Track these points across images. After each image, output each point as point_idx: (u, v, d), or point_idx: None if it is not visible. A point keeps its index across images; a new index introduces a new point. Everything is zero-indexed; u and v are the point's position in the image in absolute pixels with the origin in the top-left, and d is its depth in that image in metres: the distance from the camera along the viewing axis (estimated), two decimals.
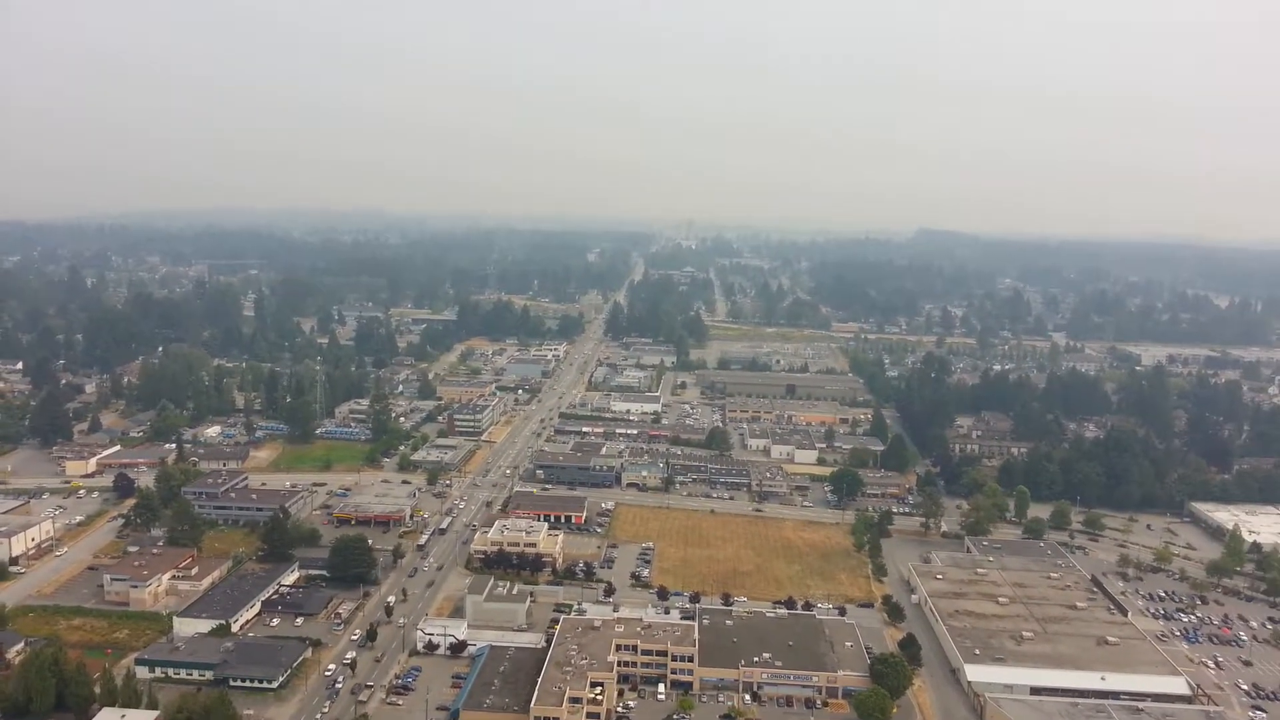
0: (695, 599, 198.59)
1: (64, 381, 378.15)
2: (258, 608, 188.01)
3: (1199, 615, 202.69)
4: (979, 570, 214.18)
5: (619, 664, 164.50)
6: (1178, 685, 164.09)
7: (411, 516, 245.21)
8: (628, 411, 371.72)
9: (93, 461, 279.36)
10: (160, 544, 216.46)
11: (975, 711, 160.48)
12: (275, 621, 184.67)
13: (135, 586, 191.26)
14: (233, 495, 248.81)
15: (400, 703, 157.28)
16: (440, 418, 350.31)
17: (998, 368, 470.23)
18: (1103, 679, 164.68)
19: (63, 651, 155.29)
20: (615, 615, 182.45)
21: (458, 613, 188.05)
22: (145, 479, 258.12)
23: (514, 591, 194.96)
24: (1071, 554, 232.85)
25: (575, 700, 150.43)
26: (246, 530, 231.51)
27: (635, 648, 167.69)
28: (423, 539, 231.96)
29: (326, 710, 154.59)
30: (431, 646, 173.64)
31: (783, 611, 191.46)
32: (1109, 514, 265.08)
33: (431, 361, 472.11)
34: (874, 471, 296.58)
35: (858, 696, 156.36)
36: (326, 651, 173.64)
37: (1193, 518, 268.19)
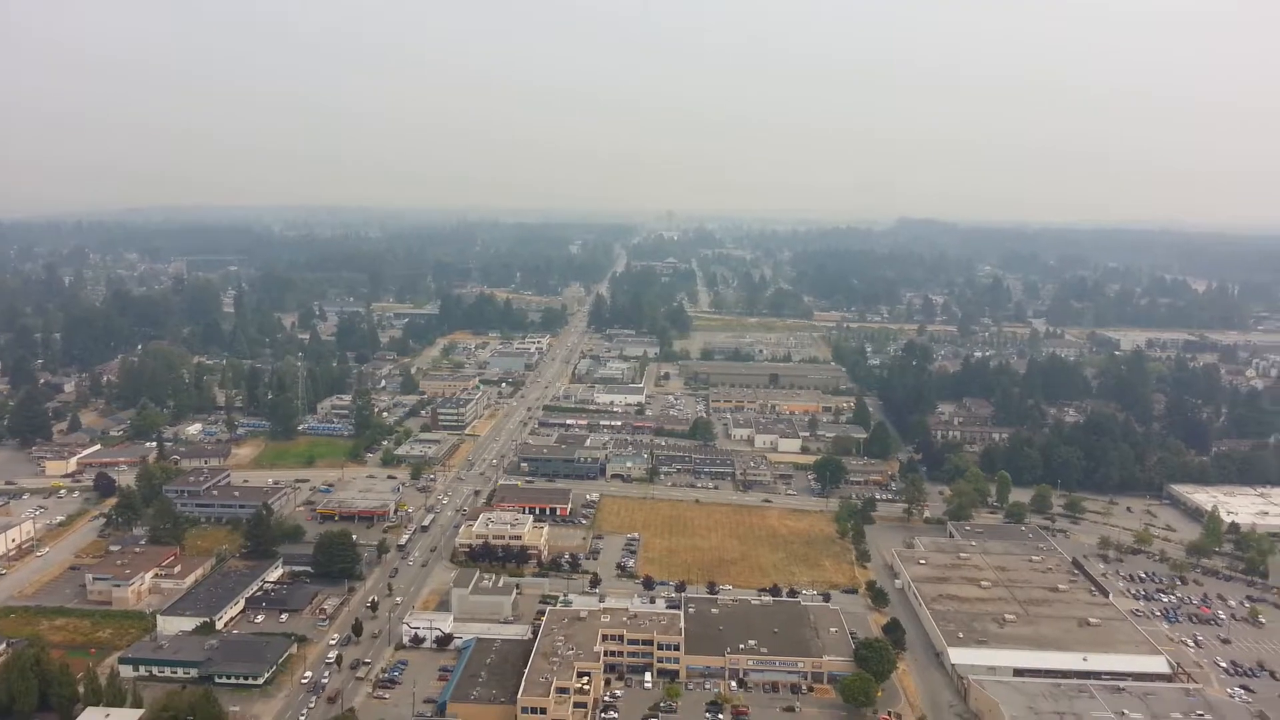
0: (681, 588, 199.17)
1: (42, 381, 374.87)
2: (242, 605, 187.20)
3: (1178, 595, 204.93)
4: (962, 555, 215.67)
5: (605, 654, 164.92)
6: (1158, 664, 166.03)
7: (396, 511, 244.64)
8: (611, 403, 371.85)
9: (73, 461, 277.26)
10: (142, 543, 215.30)
11: (959, 694, 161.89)
12: (259, 618, 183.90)
13: (118, 586, 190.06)
14: (215, 493, 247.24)
15: (387, 696, 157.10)
16: (423, 412, 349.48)
17: (979, 354, 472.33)
18: (1084, 659, 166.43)
19: (45, 652, 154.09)
20: (601, 606, 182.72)
21: (443, 606, 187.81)
22: (126, 478, 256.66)
23: (500, 584, 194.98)
24: (1053, 537, 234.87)
25: (562, 690, 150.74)
26: (229, 528, 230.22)
27: (621, 637, 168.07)
28: (407, 534, 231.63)
29: (312, 706, 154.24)
30: (418, 640, 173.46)
31: (768, 599, 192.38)
32: (1089, 497, 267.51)
33: (414, 356, 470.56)
34: (857, 459, 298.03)
35: (843, 681, 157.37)
36: (312, 647, 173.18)
37: (1172, 500, 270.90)
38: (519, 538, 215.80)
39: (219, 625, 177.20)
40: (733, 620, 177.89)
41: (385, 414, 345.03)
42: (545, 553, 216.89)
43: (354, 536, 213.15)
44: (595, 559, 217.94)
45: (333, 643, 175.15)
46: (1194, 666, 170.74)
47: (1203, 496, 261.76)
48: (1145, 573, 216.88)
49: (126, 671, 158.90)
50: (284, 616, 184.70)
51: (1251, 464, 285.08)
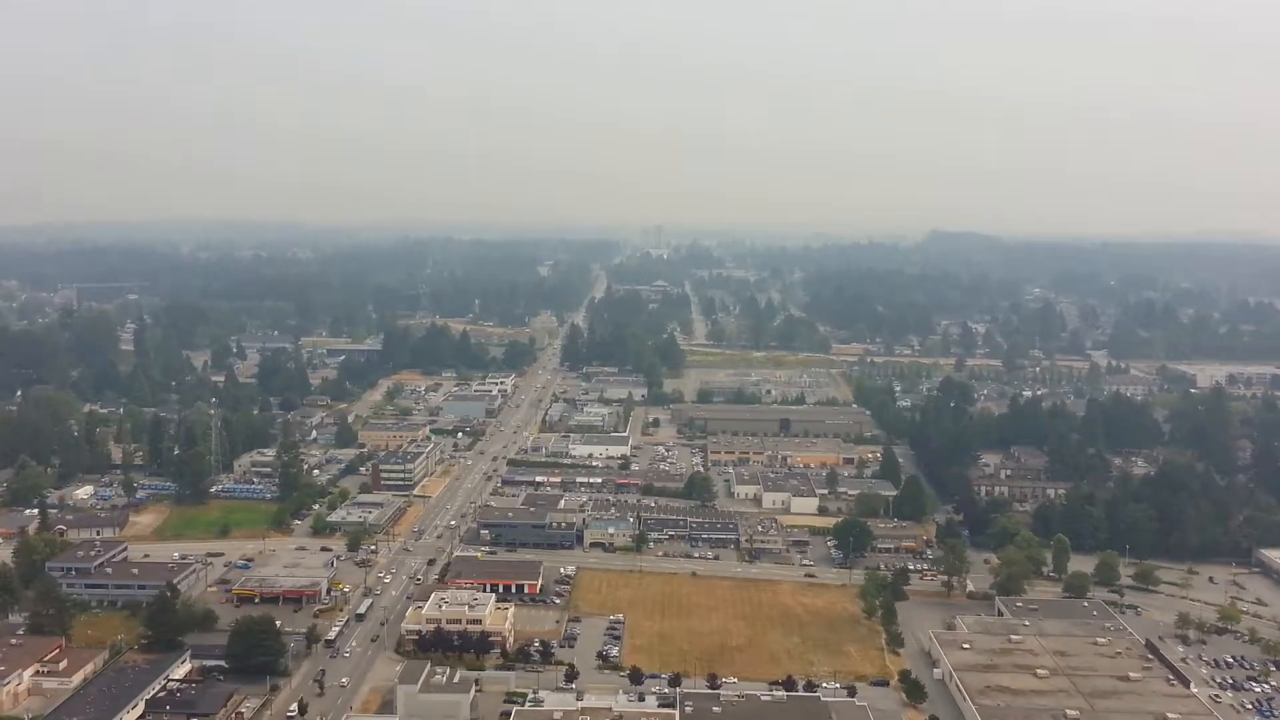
0: (675, 682, 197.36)
1: None
2: (141, 708, 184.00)
3: (1273, 684, 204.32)
4: (1013, 637, 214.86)
5: None
6: None
7: (329, 591, 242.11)
8: (590, 456, 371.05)
9: None
10: (20, 632, 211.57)
11: None
12: None
13: None
14: (109, 571, 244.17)
15: None
16: (363, 469, 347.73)
17: (1028, 394, 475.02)
18: None
19: None
20: (579, 705, 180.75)
21: (387, 708, 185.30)
22: (1, 553, 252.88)
23: (456, 679, 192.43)
24: (1121, 614, 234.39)
25: None
26: (126, 613, 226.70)
27: None
28: (343, 618, 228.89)
29: None
30: None
31: (781, 694, 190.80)
32: (1164, 565, 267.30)
33: (352, 401, 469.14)
34: (886, 521, 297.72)
35: None
36: None
37: (1263, 567, 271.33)
38: (479, 621, 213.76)
39: None
40: None
41: (317, 472, 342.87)
42: (511, 639, 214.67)
43: (278, 623, 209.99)
44: (571, 646, 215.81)
45: None
46: None
47: None
48: (1233, 657, 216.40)
49: None
50: None
51: None
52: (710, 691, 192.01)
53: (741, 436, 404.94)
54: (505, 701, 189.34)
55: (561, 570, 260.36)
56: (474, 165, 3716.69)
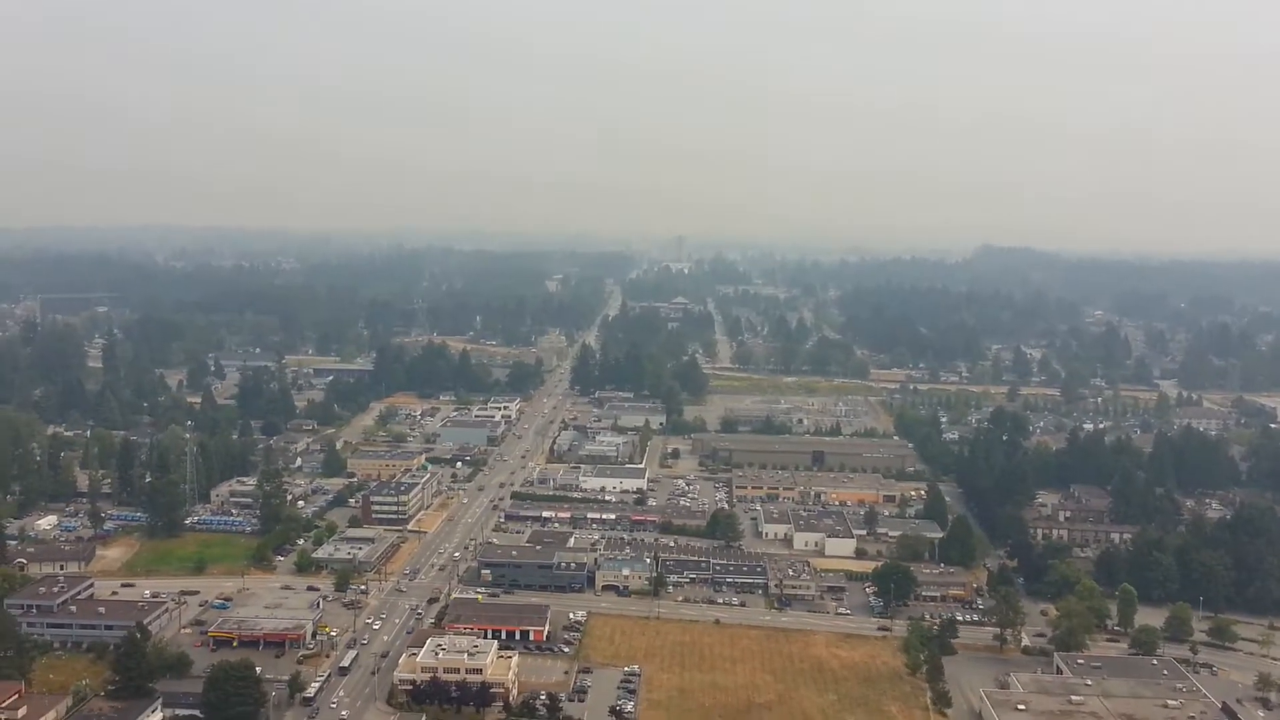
0: None
1: None
2: None
3: None
4: (1074, 698, 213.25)
5: None
6: None
7: (314, 635, 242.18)
8: (602, 489, 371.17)
9: None
10: None
11: None
12: None
13: None
14: (73, 609, 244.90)
15: None
16: (352, 500, 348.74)
17: (1090, 427, 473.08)
18: None
19: None
20: None
21: None
22: None
23: None
24: (1195, 674, 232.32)
25: None
26: (91, 656, 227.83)
27: None
28: (329, 665, 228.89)
29: None
30: None
31: None
32: (1242, 620, 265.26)
33: (340, 426, 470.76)
34: (931, 567, 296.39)
35: None
36: None
37: None
38: (479, 671, 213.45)
39: None
40: None
41: (302, 503, 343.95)
42: (514, 692, 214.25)
43: (258, 669, 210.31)
44: (581, 700, 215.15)
45: None
46: None
47: None
48: None
49: None
50: None
51: None
52: None
53: (770, 470, 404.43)
54: None
55: (570, 615, 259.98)
56: (477, 175, 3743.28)
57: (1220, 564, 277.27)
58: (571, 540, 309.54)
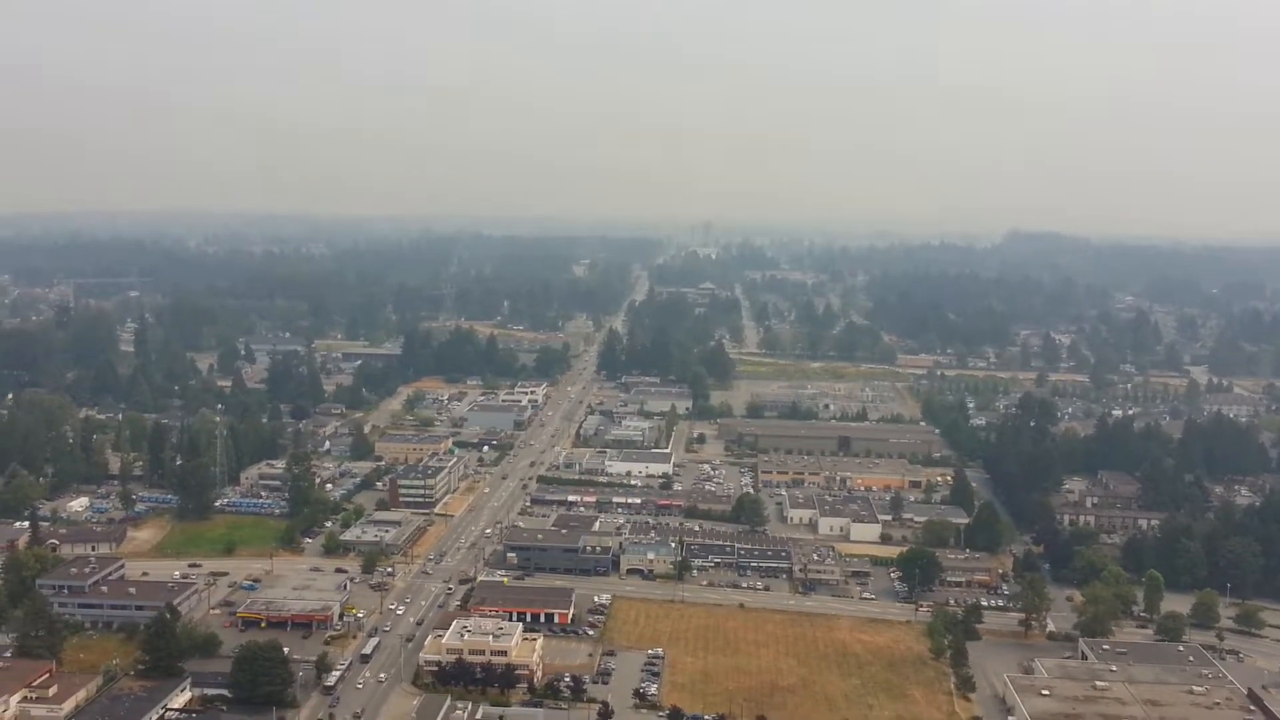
0: None
1: None
2: None
3: None
4: (1098, 684, 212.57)
5: None
6: None
7: (341, 616, 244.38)
8: (628, 474, 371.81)
9: None
10: (7, 655, 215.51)
11: None
12: None
13: None
14: (104, 589, 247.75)
15: None
16: (380, 484, 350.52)
17: (1118, 413, 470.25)
18: None
19: None
20: None
21: None
22: None
23: (478, 716, 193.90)
24: (1221, 661, 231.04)
25: None
26: (122, 636, 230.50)
27: None
28: (356, 646, 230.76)
29: None
30: None
31: None
32: (1270, 607, 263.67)
33: (368, 410, 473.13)
34: (956, 552, 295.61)
35: None
36: None
37: None
38: (504, 653, 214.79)
39: None
40: None
41: (329, 486, 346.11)
42: (539, 673, 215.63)
43: (286, 650, 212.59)
44: (605, 683, 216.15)
45: None
46: None
47: None
48: None
49: None
50: None
51: None
52: None
53: (796, 455, 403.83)
54: None
55: (595, 599, 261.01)
56: (505, 161, 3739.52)
57: (1249, 551, 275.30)
58: (597, 524, 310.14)
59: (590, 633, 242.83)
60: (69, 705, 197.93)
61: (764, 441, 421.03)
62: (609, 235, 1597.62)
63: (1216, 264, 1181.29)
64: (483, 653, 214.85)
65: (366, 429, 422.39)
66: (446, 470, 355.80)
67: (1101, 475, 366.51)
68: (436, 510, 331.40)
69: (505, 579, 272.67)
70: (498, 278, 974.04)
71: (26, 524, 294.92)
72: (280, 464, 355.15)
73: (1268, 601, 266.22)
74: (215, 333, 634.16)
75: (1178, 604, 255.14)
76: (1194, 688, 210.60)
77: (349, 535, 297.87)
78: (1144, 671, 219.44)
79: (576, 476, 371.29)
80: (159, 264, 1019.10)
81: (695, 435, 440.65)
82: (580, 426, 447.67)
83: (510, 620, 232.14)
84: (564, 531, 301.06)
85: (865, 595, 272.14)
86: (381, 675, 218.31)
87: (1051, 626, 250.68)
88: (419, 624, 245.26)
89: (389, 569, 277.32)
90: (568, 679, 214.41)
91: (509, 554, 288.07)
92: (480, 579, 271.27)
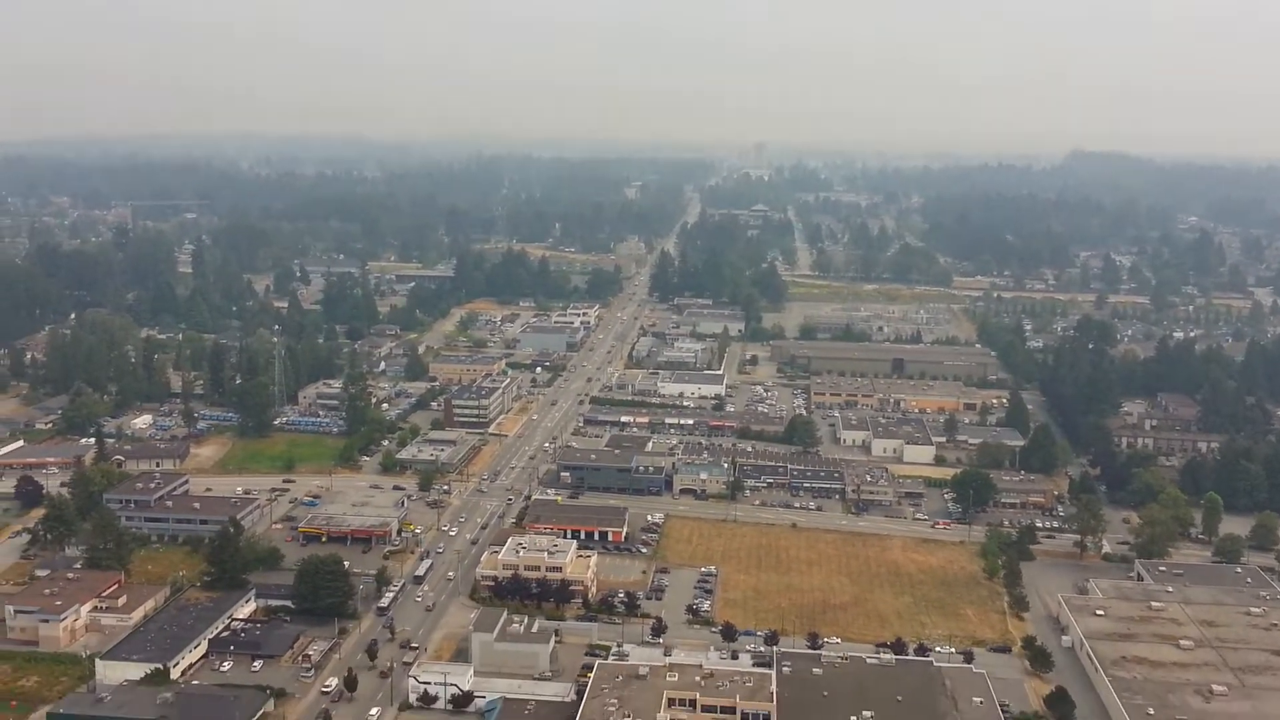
0: (772, 640, 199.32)
1: None
2: (203, 648, 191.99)
3: None
4: (1154, 604, 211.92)
5: None
6: None
7: (399, 532, 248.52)
8: (681, 395, 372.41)
9: None
10: (77, 566, 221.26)
11: None
12: (226, 665, 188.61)
13: (46, 621, 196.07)
14: (169, 504, 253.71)
15: None
16: (434, 404, 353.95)
17: (1179, 335, 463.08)
18: None
19: None
20: (667, 661, 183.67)
21: (461, 656, 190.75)
22: (56, 483, 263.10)
23: (534, 629, 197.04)
24: (1279, 582, 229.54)
25: None
26: (187, 549, 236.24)
27: (693, 703, 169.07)
28: (414, 561, 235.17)
29: None
30: (428, 699, 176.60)
31: (889, 657, 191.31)
32: None
33: (422, 331, 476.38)
34: (1011, 474, 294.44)
35: None
36: (293, 704, 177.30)
37: None
38: (559, 569, 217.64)
39: (175, 674, 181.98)
40: (842, 684, 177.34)
41: (385, 406, 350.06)
42: (593, 589, 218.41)
43: (346, 563, 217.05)
44: (658, 599, 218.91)
45: (320, 697, 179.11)
46: None
47: None
48: None
49: None
50: (257, 664, 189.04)
51: None
52: (811, 652, 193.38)
53: (849, 377, 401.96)
54: (587, 654, 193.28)
55: (648, 518, 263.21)
56: (555, 83, 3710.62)
57: None
58: (650, 445, 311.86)
59: (644, 550, 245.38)
60: (138, 615, 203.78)
61: (817, 364, 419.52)
62: (660, 157, 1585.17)
63: None
64: (538, 568, 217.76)
65: (420, 350, 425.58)
66: (500, 391, 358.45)
67: (1161, 398, 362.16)
68: (491, 430, 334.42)
69: (559, 498, 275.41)
70: (548, 200, 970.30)
71: (93, 440, 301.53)
72: (337, 384, 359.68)
73: None
74: (270, 254, 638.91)
75: (1237, 526, 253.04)
76: (1251, 609, 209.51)
77: (405, 454, 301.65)
78: (1200, 593, 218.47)
79: (629, 397, 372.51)
80: (214, 186, 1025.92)
81: (748, 357, 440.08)
82: (633, 348, 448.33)
83: (564, 538, 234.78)
84: (617, 452, 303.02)
85: (919, 516, 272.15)
86: (438, 590, 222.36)
87: (1107, 548, 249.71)
88: (474, 541, 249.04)
89: (445, 487, 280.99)
90: (622, 595, 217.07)
91: (563, 473, 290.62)
92: (534, 497, 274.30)
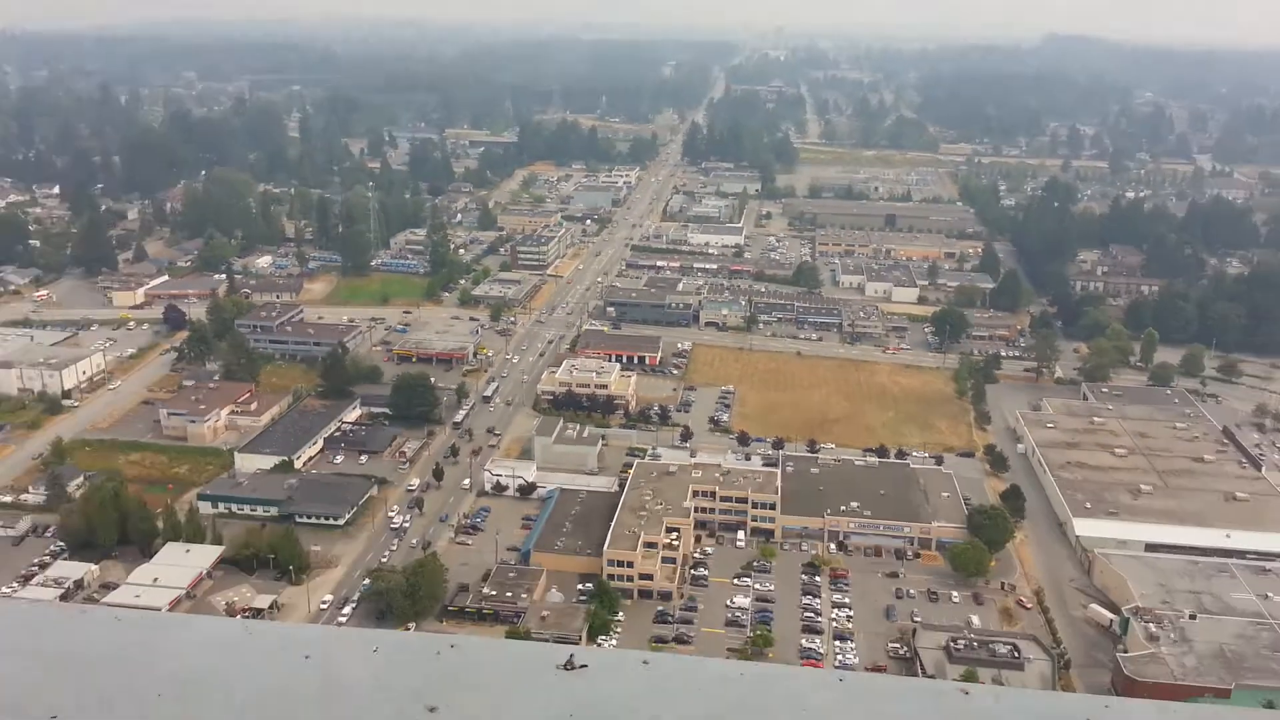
0: (779, 445, 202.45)
1: (104, 207, 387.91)
2: (320, 445, 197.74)
3: None
4: (1095, 419, 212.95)
5: (696, 510, 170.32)
6: None
7: (475, 354, 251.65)
8: (706, 244, 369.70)
9: (140, 292, 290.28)
10: (216, 378, 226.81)
11: (1082, 568, 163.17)
12: (339, 459, 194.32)
13: (193, 421, 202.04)
14: (288, 329, 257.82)
15: (469, 542, 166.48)
16: (502, 250, 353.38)
17: (1131, 195, 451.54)
18: (1228, 536, 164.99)
19: (123, 486, 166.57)
20: (692, 460, 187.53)
21: (526, 454, 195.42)
22: (196, 311, 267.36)
23: (584, 434, 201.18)
24: (1202, 403, 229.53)
25: (650, 545, 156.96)
26: (304, 366, 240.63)
27: (714, 494, 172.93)
28: (486, 378, 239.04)
29: (394, 548, 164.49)
30: (500, 488, 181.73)
31: (874, 460, 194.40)
32: (1249, 360, 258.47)
33: (491, 188, 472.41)
34: (982, 312, 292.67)
35: (953, 549, 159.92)
36: (392, 490, 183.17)
37: None
38: (605, 387, 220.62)
39: (297, 465, 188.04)
40: (834, 481, 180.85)
41: (462, 251, 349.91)
42: (633, 403, 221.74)
43: (432, 379, 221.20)
44: (686, 411, 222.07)
45: (413, 487, 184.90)
46: None
47: None
48: None
49: (205, 508, 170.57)
50: (363, 458, 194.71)
51: None
52: (809, 455, 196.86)
53: (848, 230, 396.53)
54: (627, 454, 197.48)
55: (679, 345, 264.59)
56: None
57: (1234, 313, 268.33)
58: (680, 285, 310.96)
59: (674, 372, 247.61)
60: (266, 418, 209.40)
61: (822, 218, 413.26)
62: (691, 40, 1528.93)
63: (1233, 66, 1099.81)
64: (588, 386, 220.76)
65: (490, 204, 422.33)
66: (556, 239, 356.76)
67: (1112, 248, 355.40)
68: (549, 272, 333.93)
69: (605, 328, 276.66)
70: (594, 76, 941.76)
71: (224, 276, 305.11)
72: (421, 232, 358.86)
73: (1247, 355, 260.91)
74: (364, 122, 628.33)
75: (1170, 356, 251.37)
76: (1176, 424, 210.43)
77: (479, 291, 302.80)
78: (1136, 410, 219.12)
79: (664, 246, 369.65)
80: (314, 63, 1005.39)
81: (763, 213, 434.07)
82: (667, 204, 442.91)
83: (609, 361, 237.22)
84: (653, 290, 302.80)
85: (903, 346, 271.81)
86: (507, 401, 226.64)
87: (1059, 374, 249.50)
88: (537, 361, 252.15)
89: (511, 318, 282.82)
90: (656, 408, 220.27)
91: (608, 308, 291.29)
92: (585, 328, 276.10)
